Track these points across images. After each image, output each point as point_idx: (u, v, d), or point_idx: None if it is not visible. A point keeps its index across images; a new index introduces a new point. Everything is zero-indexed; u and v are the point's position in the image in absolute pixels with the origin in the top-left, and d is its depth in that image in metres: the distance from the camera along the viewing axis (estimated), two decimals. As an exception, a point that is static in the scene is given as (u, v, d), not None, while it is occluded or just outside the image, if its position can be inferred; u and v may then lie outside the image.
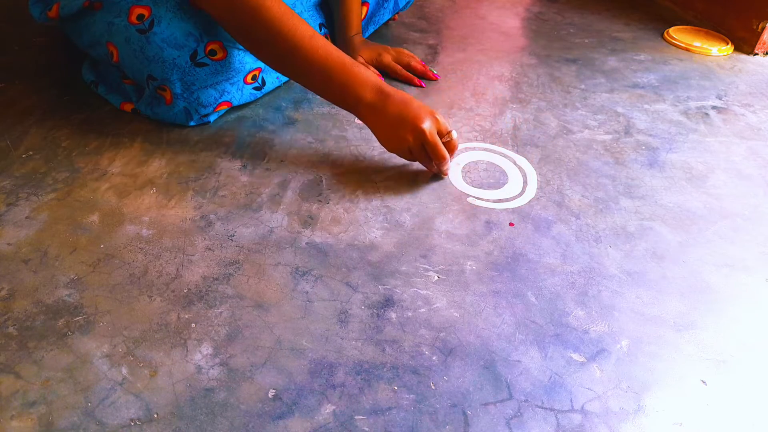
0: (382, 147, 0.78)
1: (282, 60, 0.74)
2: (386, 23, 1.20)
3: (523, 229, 0.71)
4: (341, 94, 0.74)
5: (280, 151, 0.81)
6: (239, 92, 0.85)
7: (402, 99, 0.74)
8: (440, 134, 0.74)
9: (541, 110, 0.95)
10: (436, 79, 1.01)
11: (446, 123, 0.75)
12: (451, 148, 0.76)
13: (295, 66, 0.74)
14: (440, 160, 0.75)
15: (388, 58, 1.00)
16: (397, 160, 0.81)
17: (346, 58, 0.73)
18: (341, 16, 0.99)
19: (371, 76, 0.74)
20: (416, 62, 1.01)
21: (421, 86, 0.99)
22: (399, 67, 1.00)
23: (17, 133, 0.81)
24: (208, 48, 0.78)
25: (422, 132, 0.72)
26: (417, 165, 0.80)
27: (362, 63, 0.99)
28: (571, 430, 0.50)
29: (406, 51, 1.02)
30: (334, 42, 1.01)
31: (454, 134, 0.75)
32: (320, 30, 0.97)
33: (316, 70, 0.73)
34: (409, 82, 0.99)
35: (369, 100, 0.74)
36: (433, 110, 0.74)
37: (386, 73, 1.00)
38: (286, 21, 0.71)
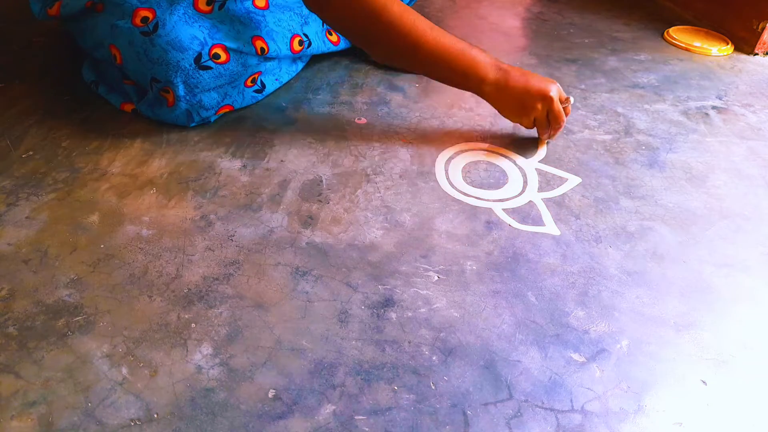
0: (382, 147, 0.78)
1: (404, 56, 0.79)
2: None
3: (523, 229, 0.71)
4: (465, 78, 0.80)
5: (280, 151, 0.81)
6: (240, 96, 0.85)
7: (521, 73, 0.80)
8: (560, 101, 0.81)
9: (541, 110, 0.95)
10: None
11: (562, 91, 0.82)
12: (566, 113, 0.83)
13: (418, 59, 0.78)
14: (560, 125, 0.82)
15: None
16: (397, 159, 0.81)
17: (463, 44, 0.78)
18: None
19: (488, 56, 0.80)
20: None
21: None
22: None
23: (17, 133, 0.81)
24: (212, 51, 0.78)
25: (551, 100, 0.79)
26: (417, 166, 0.80)
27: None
28: (571, 430, 0.50)
29: None
30: None
31: (572, 99, 0.83)
32: (323, 26, 0.96)
33: (439, 61, 0.78)
34: None
35: (492, 79, 0.79)
36: (550, 79, 0.81)
37: None
38: (406, 19, 0.75)
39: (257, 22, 0.82)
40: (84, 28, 0.83)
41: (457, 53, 0.78)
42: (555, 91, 0.80)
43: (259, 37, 0.82)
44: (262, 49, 0.83)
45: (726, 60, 1.16)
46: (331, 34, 0.97)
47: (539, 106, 0.80)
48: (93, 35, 0.82)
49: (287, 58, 0.91)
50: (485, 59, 0.79)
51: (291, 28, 0.87)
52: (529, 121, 0.82)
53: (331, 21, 0.80)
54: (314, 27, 0.92)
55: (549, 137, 0.85)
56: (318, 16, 0.79)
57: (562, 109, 0.81)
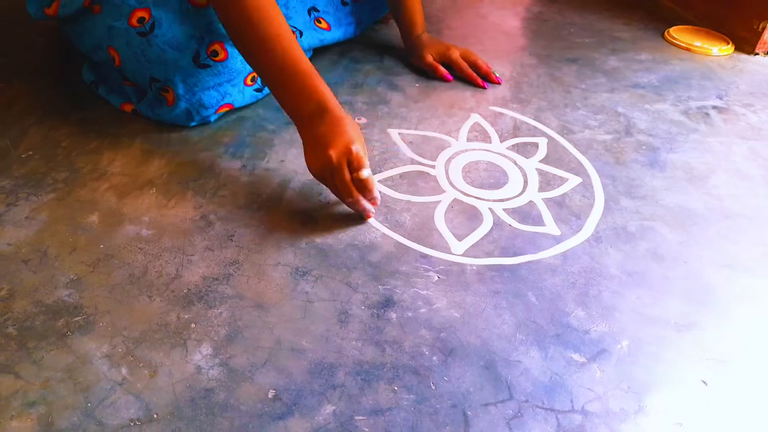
0: (382, 147, 0.77)
1: (250, 51, 0.71)
2: (387, 23, 1.19)
3: (523, 229, 0.71)
4: (286, 99, 0.70)
5: (280, 151, 0.81)
6: (240, 94, 0.85)
7: (337, 120, 0.66)
8: (351, 168, 0.66)
9: (542, 110, 0.95)
10: (498, 83, 1.01)
11: (362, 158, 0.65)
12: (361, 187, 0.67)
13: (259, 59, 0.70)
14: (344, 196, 0.67)
15: (456, 54, 1.01)
16: (397, 159, 0.81)
17: (305, 66, 0.69)
18: (406, 17, 1.03)
19: (322, 90, 0.68)
20: (482, 62, 1.02)
21: (484, 87, 1.00)
22: (465, 64, 1.01)
23: (17, 133, 0.81)
24: (210, 49, 0.78)
25: (328, 159, 0.65)
26: (417, 166, 0.80)
27: (430, 60, 1.01)
28: (571, 430, 0.50)
29: (472, 51, 1.03)
30: (404, 40, 1.05)
31: (365, 173, 0.65)
32: (310, 15, 0.96)
33: (275, 68, 0.69)
34: (472, 81, 1.00)
35: (307, 113, 0.68)
36: (354, 140, 0.65)
37: (452, 69, 1.02)
38: (264, 10, 0.68)
39: None
40: (82, 31, 0.83)
41: (291, 70, 0.68)
42: (338, 152, 0.65)
43: None
44: None
45: (726, 60, 1.16)
46: (320, 22, 0.97)
47: (317, 163, 0.67)
48: (91, 37, 0.82)
49: None
50: (316, 91, 0.68)
51: None
52: (318, 178, 0.69)
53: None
54: (299, 18, 0.93)
55: (354, 209, 0.70)
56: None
57: (344, 175, 0.65)
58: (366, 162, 0.66)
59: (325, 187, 0.75)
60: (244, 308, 0.59)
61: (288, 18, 0.91)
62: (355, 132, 0.67)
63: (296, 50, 0.69)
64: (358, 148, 0.65)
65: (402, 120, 0.90)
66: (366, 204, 0.69)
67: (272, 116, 0.88)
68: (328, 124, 0.66)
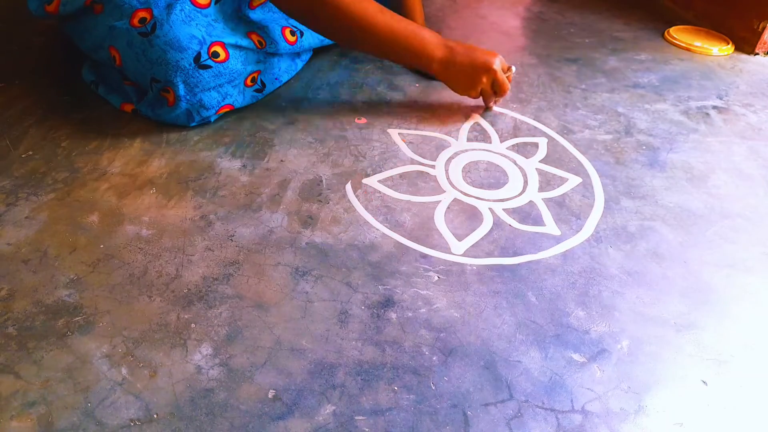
0: (382, 147, 0.78)
1: (355, 38, 0.83)
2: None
3: (523, 229, 0.71)
4: (416, 57, 0.85)
5: (280, 151, 0.81)
6: (241, 95, 0.85)
7: (466, 49, 0.86)
8: (503, 71, 0.88)
9: (542, 110, 0.95)
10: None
11: (504, 62, 0.88)
12: (509, 81, 0.90)
13: (370, 41, 0.83)
14: (504, 93, 0.90)
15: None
16: (397, 159, 0.81)
17: (412, 26, 0.84)
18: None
19: (435, 36, 0.86)
20: None
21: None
22: None
23: (17, 133, 0.81)
24: (211, 50, 0.78)
25: (494, 72, 0.86)
26: (417, 166, 0.80)
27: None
28: (571, 430, 0.50)
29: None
30: None
31: (514, 69, 0.91)
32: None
33: (391, 42, 0.83)
34: None
35: (440, 57, 0.86)
36: (489, 51, 0.87)
37: None
38: (357, 5, 0.80)
39: (248, 16, 0.84)
40: (83, 30, 0.83)
41: (407, 36, 0.83)
42: (498, 63, 0.87)
43: (253, 32, 0.84)
44: (260, 42, 0.84)
45: (726, 60, 1.16)
46: None
47: (484, 79, 0.87)
48: (92, 37, 0.82)
49: (286, 52, 0.91)
50: (433, 39, 0.85)
51: (277, 21, 0.89)
52: (476, 92, 0.89)
53: (282, 5, 0.82)
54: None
55: (494, 104, 0.93)
56: (281, 9, 0.82)
57: (505, 79, 0.88)
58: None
59: (324, 186, 0.75)
60: (244, 308, 0.59)
61: (290, 18, 0.91)
62: (485, 49, 0.88)
63: (395, 18, 0.83)
64: (499, 56, 0.87)
65: (402, 120, 0.90)
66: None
67: (272, 116, 0.88)
68: (465, 54, 0.86)
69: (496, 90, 0.89)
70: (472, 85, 0.88)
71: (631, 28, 1.27)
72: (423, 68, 0.88)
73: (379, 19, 0.81)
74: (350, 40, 0.86)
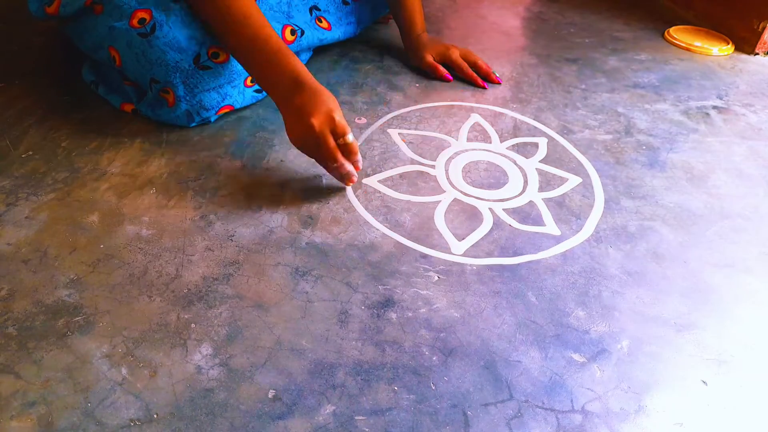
0: (382, 147, 0.77)
1: (222, 32, 0.74)
2: (387, 23, 1.19)
3: (523, 229, 0.71)
4: (262, 76, 0.73)
5: (280, 151, 0.81)
6: (241, 95, 0.85)
7: (315, 91, 0.69)
8: (335, 135, 0.69)
9: (542, 110, 0.95)
10: (498, 83, 1.01)
11: (345, 125, 0.69)
12: (347, 151, 0.70)
13: (230, 40, 0.74)
14: (329, 162, 0.70)
15: (456, 54, 1.01)
16: (397, 159, 0.81)
17: (277, 43, 0.72)
18: (406, 17, 1.03)
19: (295, 64, 0.71)
20: (482, 62, 1.02)
21: (484, 87, 1.00)
22: (465, 64, 1.01)
23: (17, 133, 0.81)
24: (211, 51, 0.78)
25: (311, 127, 0.68)
26: (417, 166, 0.80)
27: (430, 61, 1.01)
28: (571, 430, 0.50)
29: (472, 51, 1.03)
30: (403, 40, 1.05)
31: (350, 137, 0.70)
32: (311, 14, 0.96)
33: (248, 47, 0.72)
34: (472, 81, 1.00)
35: (284, 87, 0.71)
36: (334, 108, 0.69)
37: (452, 69, 1.02)
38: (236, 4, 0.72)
39: None
40: (83, 31, 0.83)
41: (263, 47, 0.72)
42: (321, 119, 0.68)
43: None
44: None
45: (726, 60, 1.16)
46: (320, 21, 0.97)
47: (302, 132, 0.69)
48: (92, 37, 0.82)
49: None
50: (288, 65, 0.71)
51: (278, 20, 0.88)
52: (302, 148, 0.72)
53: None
54: (301, 17, 0.93)
55: (337, 176, 0.72)
56: None
57: (328, 141, 0.69)
58: (348, 128, 0.70)
59: (324, 186, 0.75)
60: (244, 308, 0.59)
61: (290, 17, 0.91)
62: (333, 102, 0.70)
63: (266, 28, 0.73)
64: (339, 115, 0.69)
65: (402, 120, 0.90)
66: (350, 167, 0.71)
67: (272, 116, 0.88)
68: (307, 96, 0.69)
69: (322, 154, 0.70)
70: (294, 136, 0.71)
71: (631, 28, 1.27)
72: (268, 93, 0.74)
73: (249, 21, 0.72)
74: (214, 27, 0.75)
